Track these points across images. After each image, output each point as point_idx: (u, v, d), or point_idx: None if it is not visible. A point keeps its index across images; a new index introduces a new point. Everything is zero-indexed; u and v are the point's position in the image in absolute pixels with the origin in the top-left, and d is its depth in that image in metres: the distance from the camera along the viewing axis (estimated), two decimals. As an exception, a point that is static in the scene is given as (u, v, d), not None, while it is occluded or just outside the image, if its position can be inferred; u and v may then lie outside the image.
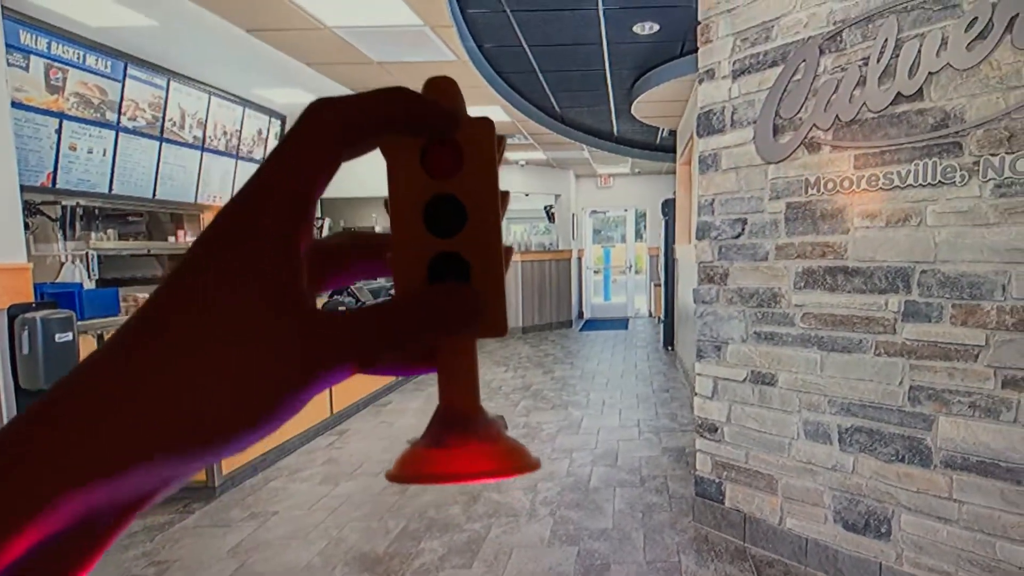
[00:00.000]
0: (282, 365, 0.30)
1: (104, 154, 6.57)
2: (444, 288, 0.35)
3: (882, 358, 3.15)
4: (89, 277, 6.85)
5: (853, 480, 3.32)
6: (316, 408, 6.13)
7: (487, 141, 0.36)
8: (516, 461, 0.35)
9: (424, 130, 0.35)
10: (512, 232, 16.58)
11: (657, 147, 11.27)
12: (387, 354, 0.33)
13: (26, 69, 5.52)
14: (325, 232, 10.93)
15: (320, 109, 0.32)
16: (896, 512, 3.14)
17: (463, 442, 0.34)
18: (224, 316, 0.30)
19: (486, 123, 0.36)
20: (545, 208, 14.85)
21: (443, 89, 0.35)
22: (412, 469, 0.34)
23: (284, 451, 5.70)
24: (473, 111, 0.35)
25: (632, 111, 8.33)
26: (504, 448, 0.35)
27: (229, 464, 4.89)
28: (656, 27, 5.84)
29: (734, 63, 3.74)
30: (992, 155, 2.72)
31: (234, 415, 0.30)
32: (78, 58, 5.98)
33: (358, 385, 7.27)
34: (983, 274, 2.78)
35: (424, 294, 0.34)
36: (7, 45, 4.94)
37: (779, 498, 3.66)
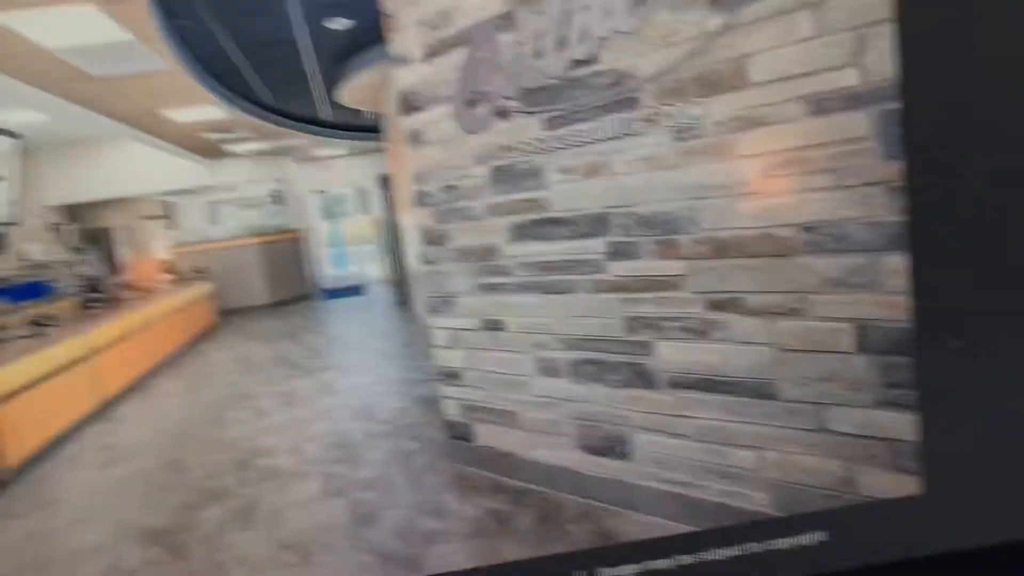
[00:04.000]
0: None
1: None
2: None
3: (597, 295, 2.75)
4: None
5: (588, 408, 2.91)
6: (81, 398, 5.23)
7: None
8: None
9: None
10: (246, 217, 15.12)
11: (367, 128, 10.58)
12: None
13: None
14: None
15: None
16: (632, 433, 2.78)
17: None
18: None
19: None
20: (272, 193, 13.72)
21: None
22: None
23: (59, 442, 4.75)
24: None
25: (338, 98, 7.52)
26: None
27: (10, 462, 4.14)
28: (350, 23, 5.21)
29: (423, 48, 3.17)
30: (666, 105, 2.37)
31: None
32: None
33: (122, 371, 6.04)
34: (674, 211, 2.41)
35: None
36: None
37: (525, 432, 3.21)
